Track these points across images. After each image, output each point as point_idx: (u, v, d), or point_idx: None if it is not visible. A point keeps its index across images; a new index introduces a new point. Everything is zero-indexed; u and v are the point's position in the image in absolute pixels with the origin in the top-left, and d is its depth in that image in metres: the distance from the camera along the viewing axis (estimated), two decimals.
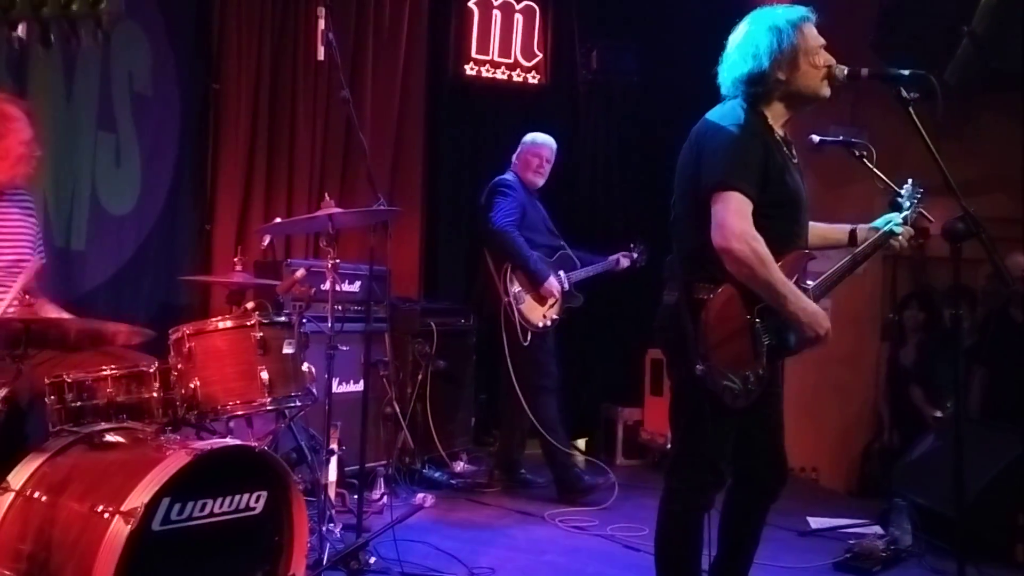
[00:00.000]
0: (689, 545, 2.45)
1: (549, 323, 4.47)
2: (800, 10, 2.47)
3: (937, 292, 5.35)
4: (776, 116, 2.46)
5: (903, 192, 2.71)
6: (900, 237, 2.66)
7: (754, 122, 2.39)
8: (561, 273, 4.53)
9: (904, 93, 2.39)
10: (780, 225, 2.39)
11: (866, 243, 2.64)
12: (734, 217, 2.26)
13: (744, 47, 2.45)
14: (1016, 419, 4.36)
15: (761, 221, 2.30)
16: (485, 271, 4.50)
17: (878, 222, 2.70)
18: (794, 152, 2.52)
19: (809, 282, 2.46)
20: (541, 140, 4.64)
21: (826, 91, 2.45)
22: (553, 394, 4.55)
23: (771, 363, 2.40)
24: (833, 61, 2.46)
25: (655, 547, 2.52)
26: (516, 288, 4.39)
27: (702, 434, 2.39)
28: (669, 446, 2.72)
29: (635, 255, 4.90)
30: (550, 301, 4.45)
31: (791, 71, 2.40)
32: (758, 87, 2.42)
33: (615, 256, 4.84)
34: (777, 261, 2.31)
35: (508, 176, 4.56)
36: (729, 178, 2.29)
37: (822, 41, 2.46)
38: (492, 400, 5.65)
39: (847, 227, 2.76)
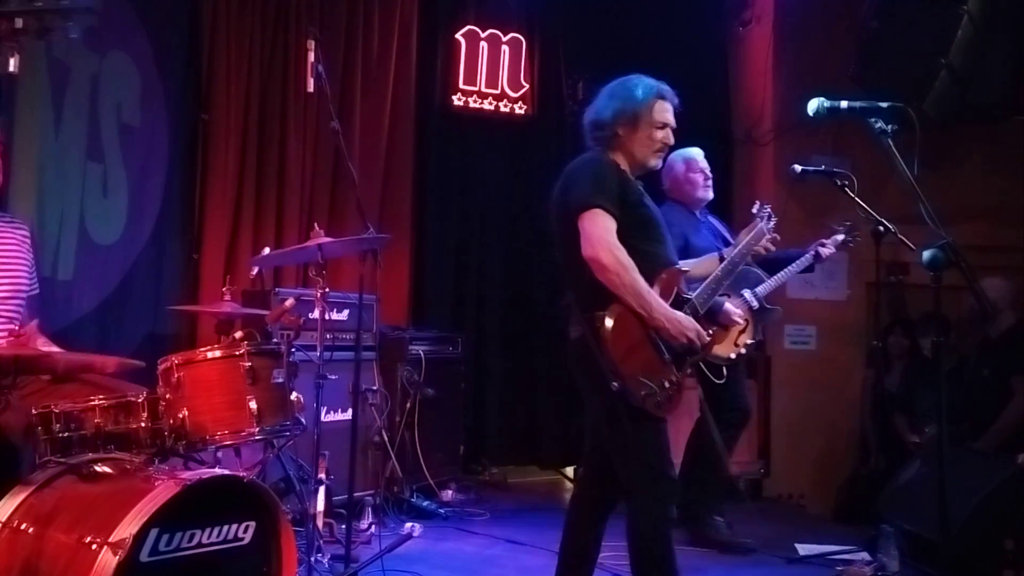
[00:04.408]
0: (666, 562, 2.51)
1: (743, 350, 3.93)
2: (661, 87, 2.70)
3: (913, 319, 5.41)
4: (623, 166, 2.67)
5: (753, 211, 2.99)
6: (764, 242, 2.96)
7: (607, 160, 2.64)
8: (746, 292, 3.94)
9: (883, 125, 2.46)
10: (652, 246, 2.60)
11: (736, 249, 2.92)
12: (599, 229, 2.49)
13: (602, 98, 2.71)
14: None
15: (634, 244, 2.52)
16: None
17: (739, 237, 3.01)
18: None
19: (691, 292, 2.70)
20: (691, 154, 4.19)
21: (654, 162, 2.72)
22: (735, 428, 4.18)
23: (681, 369, 2.56)
24: (671, 143, 2.71)
25: (632, 572, 2.56)
26: None
27: (642, 451, 2.51)
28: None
29: (841, 236, 4.12)
30: (737, 328, 3.84)
31: (629, 131, 2.64)
32: (599, 132, 2.68)
33: (811, 248, 4.10)
34: (654, 278, 2.53)
35: (664, 207, 3.80)
36: (593, 198, 2.52)
37: (669, 122, 2.69)
38: (481, 428, 5.66)
39: (715, 254, 3.08)
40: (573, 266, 2.55)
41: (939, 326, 2.83)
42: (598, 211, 2.49)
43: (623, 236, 2.51)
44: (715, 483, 4.17)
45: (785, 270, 4.05)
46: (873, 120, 2.49)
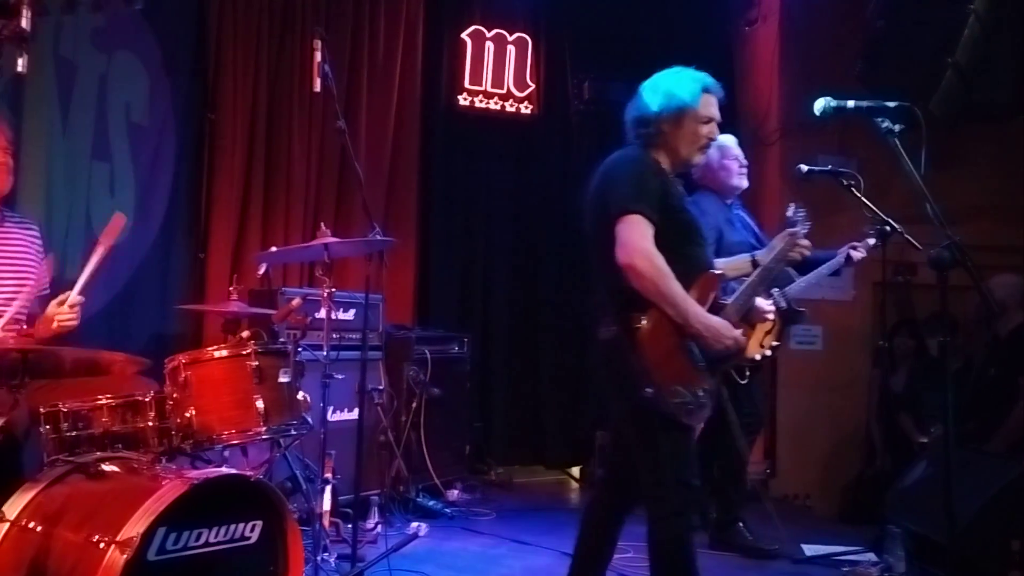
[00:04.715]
0: (687, 570, 2.47)
1: (768, 352, 3.83)
2: (706, 80, 2.63)
3: (920, 320, 5.41)
4: (664, 164, 2.60)
5: (788, 214, 2.88)
6: (798, 248, 2.83)
7: (649, 160, 2.56)
8: (775, 291, 3.81)
9: (890, 125, 2.46)
10: (692, 250, 2.55)
11: (772, 256, 2.82)
12: (636, 236, 2.41)
13: (644, 94, 2.62)
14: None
15: (675, 247, 2.45)
16: None
17: (773, 242, 2.89)
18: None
19: (727, 299, 2.64)
20: (725, 141, 4.00)
21: (698, 158, 2.65)
22: (749, 434, 4.08)
23: (714, 375, 2.52)
24: (716, 137, 2.65)
25: None
26: None
27: (667, 458, 2.46)
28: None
29: (872, 239, 3.89)
30: (764, 327, 3.68)
31: (675, 127, 2.57)
32: (642, 128, 2.59)
33: (843, 251, 3.95)
34: (692, 284, 2.46)
35: (697, 196, 3.85)
36: (631, 203, 2.44)
37: (715, 116, 2.62)
38: (486, 428, 5.67)
39: (747, 256, 2.96)
40: (607, 266, 2.47)
41: (946, 326, 2.81)
42: (636, 217, 2.41)
43: (663, 240, 2.43)
44: (737, 489, 4.13)
45: (815, 272, 3.93)
46: (880, 120, 2.49)
